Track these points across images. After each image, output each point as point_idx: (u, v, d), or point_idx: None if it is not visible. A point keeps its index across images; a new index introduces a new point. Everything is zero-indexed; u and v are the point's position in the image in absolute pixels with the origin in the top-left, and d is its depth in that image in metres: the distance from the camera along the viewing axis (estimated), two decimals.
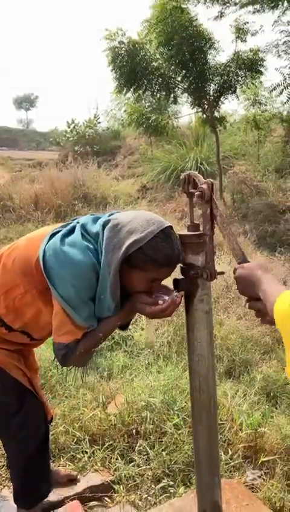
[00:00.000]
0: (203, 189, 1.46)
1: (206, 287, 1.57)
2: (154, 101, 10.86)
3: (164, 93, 9.56)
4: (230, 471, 2.41)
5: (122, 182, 12.17)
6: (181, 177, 1.60)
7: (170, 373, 3.17)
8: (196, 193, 1.49)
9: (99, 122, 17.16)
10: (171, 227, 1.53)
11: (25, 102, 57.79)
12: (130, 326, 3.97)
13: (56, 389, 3.08)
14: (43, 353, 3.24)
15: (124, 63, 8.97)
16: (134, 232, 1.47)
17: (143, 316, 1.63)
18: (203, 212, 1.49)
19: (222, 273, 1.56)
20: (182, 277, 1.57)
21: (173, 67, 9.04)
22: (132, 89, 9.50)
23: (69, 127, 16.79)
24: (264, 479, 2.38)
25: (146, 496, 2.25)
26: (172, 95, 9.64)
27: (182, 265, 1.57)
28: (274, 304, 1.11)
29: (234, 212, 8.97)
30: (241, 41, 9.17)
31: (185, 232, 1.58)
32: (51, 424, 2.17)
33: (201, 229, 1.55)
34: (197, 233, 1.53)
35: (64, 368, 1.63)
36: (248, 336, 3.98)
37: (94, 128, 16.63)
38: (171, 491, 2.28)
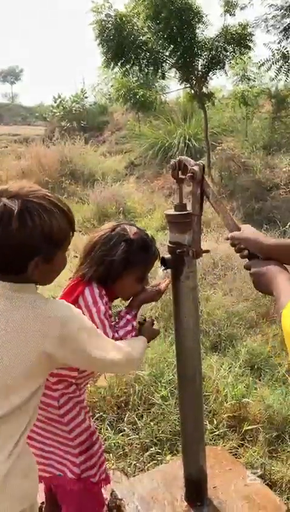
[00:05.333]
0: (194, 170, 1.50)
1: (192, 265, 1.64)
2: (141, 76, 10.72)
3: (151, 68, 9.41)
4: (215, 440, 2.53)
5: (110, 159, 12.11)
6: (171, 163, 1.63)
7: (157, 347, 3.27)
8: (188, 174, 1.52)
9: (86, 97, 16.95)
10: None
11: (10, 76, 56.39)
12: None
13: None
14: None
15: (111, 37, 8.80)
16: None
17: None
18: (193, 193, 1.53)
19: (207, 251, 1.63)
20: (169, 255, 1.63)
21: (161, 41, 8.90)
22: (119, 64, 9.36)
23: (55, 102, 16.54)
24: (247, 447, 2.51)
25: (135, 462, 2.37)
26: (160, 70, 9.50)
27: (169, 244, 1.63)
28: (284, 307, 1.07)
29: (222, 189, 9.00)
30: (230, 15, 9.05)
31: (172, 212, 1.63)
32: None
33: (189, 208, 1.60)
34: (184, 212, 1.59)
35: None
36: (233, 311, 4.08)
37: (81, 103, 16.41)
38: (159, 458, 2.40)
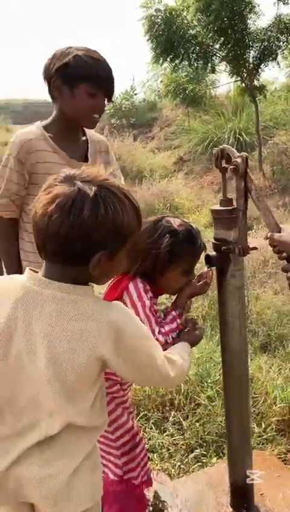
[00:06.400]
0: (237, 163, 1.43)
1: (238, 263, 1.57)
2: (191, 70, 10.59)
3: (201, 62, 9.31)
4: (263, 444, 2.44)
5: (158, 155, 12.05)
6: (214, 152, 1.57)
7: (204, 346, 3.20)
8: (230, 167, 1.46)
9: (135, 94, 16.95)
10: None
11: None
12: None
13: None
14: None
15: (161, 32, 8.76)
16: None
17: None
18: (237, 187, 1.46)
19: (255, 248, 1.54)
20: (214, 253, 1.57)
21: (211, 34, 8.76)
22: (168, 59, 9.30)
23: None
24: None
25: (179, 464, 2.32)
26: (210, 64, 9.38)
27: (214, 241, 1.57)
28: None
29: (274, 184, 8.77)
30: (284, 4, 8.76)
31: (217, 207, 1.57)
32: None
33: (234, 203, 1.54)
34: (229, 208, 1.52)
35: None
36: (284, 310, 3.94)
37: (130, 100, 16.44)
38: (204, 460, 2.34)
